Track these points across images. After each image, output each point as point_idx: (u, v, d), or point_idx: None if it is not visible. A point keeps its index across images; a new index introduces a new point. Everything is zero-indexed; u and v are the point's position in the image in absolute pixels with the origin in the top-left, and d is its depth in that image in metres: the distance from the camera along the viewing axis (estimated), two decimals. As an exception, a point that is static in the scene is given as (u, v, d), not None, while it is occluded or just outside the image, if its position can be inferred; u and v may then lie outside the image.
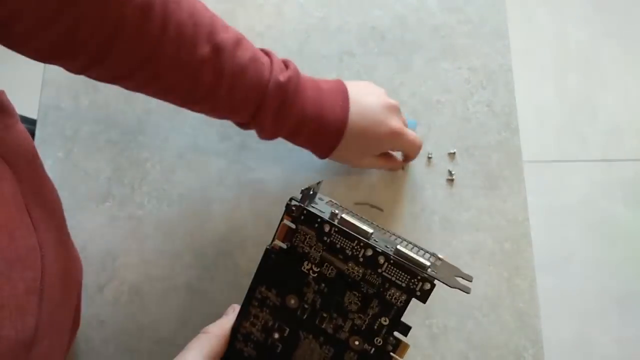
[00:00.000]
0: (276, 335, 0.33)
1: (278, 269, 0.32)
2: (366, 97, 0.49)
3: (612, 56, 1.56)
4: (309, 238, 0.31)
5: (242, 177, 0.58)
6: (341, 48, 0.63)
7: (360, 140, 0.49)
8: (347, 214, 0.31)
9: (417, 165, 0.58)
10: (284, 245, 0.32)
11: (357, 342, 0.31)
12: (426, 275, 0.29)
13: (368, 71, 0.62)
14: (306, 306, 0.32)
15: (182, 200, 0.58)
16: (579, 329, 1.33)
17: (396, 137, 0.50)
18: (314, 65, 0.63)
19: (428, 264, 0.29)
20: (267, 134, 0.47)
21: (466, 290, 0.29)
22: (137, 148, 0.60)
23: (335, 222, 0.30)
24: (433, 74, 0.62)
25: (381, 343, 0.31)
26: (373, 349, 0.31)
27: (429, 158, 0.58)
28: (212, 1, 0.65)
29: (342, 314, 0.31)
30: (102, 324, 0.54)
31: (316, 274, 0.31)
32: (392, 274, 0.29)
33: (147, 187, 0.58)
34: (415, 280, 0.29)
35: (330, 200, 0.37)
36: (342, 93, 0.48)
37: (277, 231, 0.32)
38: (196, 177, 0.58)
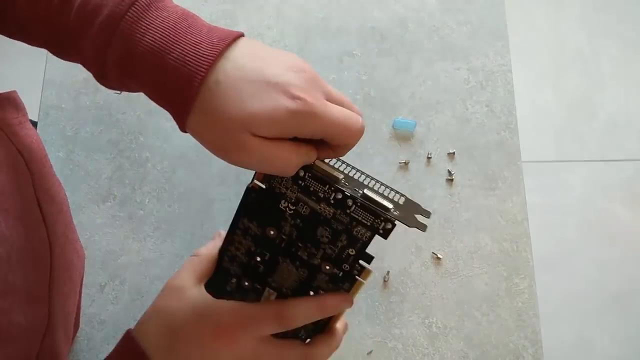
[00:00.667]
0: (258, 259, 0.37)
1: (258, 205, 0.35)
2: (263, 54, 0.33)
3: (611, 57, 1.57)
4: (285, 181, 0.34)
5: (242, 177, 0.58)
6: (341, 48, 0.63)
7: (234, 109, 0.30)
8: (321, 161, 0.34)
9: (417, 165, 0.59)
10: (262, 186, 0.35)
11: (327, 267, 0.36)
12: (388, 217, 0.32)
13: (368, 71, 0.62)
14: (284, 237, 0.36)
15: (183, 200, 0.58)
16: (578, 328, 1.34)
17: (304, 116, 0.31)
18: (314, 66, 0.62)
19: (390, 206, 0.32)
20: (91, 63, 0.33)
21: (422, 228, 0.32)
22: (137, 148, 0.60)
23: (309, 168, 0.33)
24: (432, 74, 0.62)
25: (348, 268, 0.35)
26: (341, 273, 0.36)
27: (429, 158, 0.59)
28: (212, 2, 0.66)
29: (315, 245, 0.35)
30: (103, 323, 0.54)
31: (292, 211, 0.35)
32: (359, 215, 0.33)
33: (147, 187, 0.58)
34: (378, 221, 0.32)
35: None
36: (221, 38, 0.32)
37: (255, 172, 0.35)
38: (197, 177, 0.59)
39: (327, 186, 0.33)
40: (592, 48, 1.58)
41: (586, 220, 1.42)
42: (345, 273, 0.36)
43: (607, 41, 1.58)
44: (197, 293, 0.37)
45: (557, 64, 1.56)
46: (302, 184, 0.33)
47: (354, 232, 0.34)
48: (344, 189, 0.33)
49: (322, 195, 0.33)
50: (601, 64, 1.56)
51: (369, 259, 0.35)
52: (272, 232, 0.36)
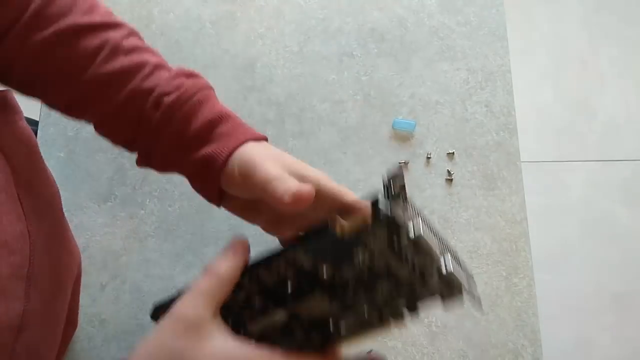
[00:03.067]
0: (289, 284, 0.32)
1: (327, 245, 0.31)
2: None
3: (610, 57, 1.57)
4: (379, 237, 0.30)
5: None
6: (341, 49, 0.64)
7: None
8: (425, 228, 0.30)
9: (416, 165, 0.59)
10: (346, 237, 0.31)
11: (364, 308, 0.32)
12: (461, 295, 0.30)
13: (368, 72, 0.63)
14: (336, 279, 0.31)
15: (183, 199, 0.58)
16: (578, 327, 1.34)
17: None
18: (314, 66, 0.63)
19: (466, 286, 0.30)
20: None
21: (478, 308, 0.31)
22: (138, 148, 0.60)
23: (412, 236, 0.29)
24: (432, 75, 0.62)
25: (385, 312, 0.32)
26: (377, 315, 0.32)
27: (428, 158, 0.59)
28: (213, 3, 0.66)
29: (367, 292, 0.31)
30: (104, 323, 0.54)
31: (364, 262, 0.31)
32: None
33: (148, 187, 0.58)
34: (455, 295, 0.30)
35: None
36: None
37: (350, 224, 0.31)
38: (197, 177, 0.59)
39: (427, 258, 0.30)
40: (592, 49, 1.58)
41: (585, 220, 1.42)
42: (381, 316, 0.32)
43: (607, 41, 1.58)
44: (217, 333, 0.30)
45: (557, 65, 1.57)
46: (396, 248, 0.30)
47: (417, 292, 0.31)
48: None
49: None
50: (601, 64, 1.56)
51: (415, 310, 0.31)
52: (324, 271, 0.32)
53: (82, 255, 0.56)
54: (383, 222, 0.30)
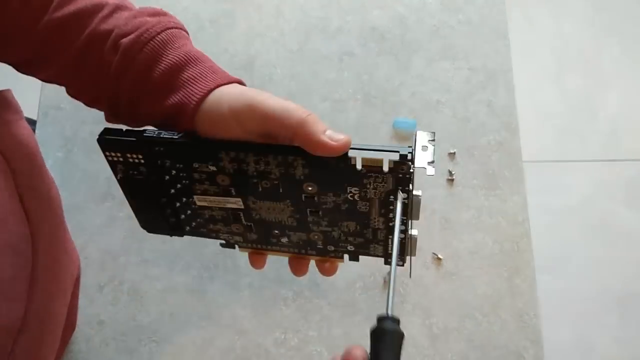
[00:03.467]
0: (264, 184, 0.33)
1: (327, 168, 0.31)
2: None
3: (613, 56, 1.56)
4: (381, 187, 0.31)
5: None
6: (341, 48, 0.63)
7: None
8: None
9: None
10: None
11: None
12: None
13: (368, 71, 0.62)
14: (314, 199, 0.32)
15: (182, 200, 0.58)
16: (579, 329, 1.33)
17: None
18: (314, 66, 0.63)
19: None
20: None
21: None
22: (137, 148, 0.60)
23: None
24: (433, 74, 0.62)
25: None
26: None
27: (429, 158, 0.59)
28: (212, 1, 0.66)
29: (330, 224, 0.33)
30: (102, 324, 0.54)
31: (350, 199, 0.32)
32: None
33: (147, 187, 0.58)
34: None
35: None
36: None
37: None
38: (196, 177, 0.59)
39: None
40: (594, 47, 1.57)
41: (588, 220, 1.42)
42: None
43: (610, 40, 1.58)
44: None
45: (559, 64, 1.56)
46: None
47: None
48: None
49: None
50: (603, 63, 1.56)
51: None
52: (309, 189, 0.32)
53: (80, 256, 0.55)
54: (400, 179, 0.30)
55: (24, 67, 0.37)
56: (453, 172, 0.58)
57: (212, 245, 0.56)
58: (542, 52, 1.57)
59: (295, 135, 0.30)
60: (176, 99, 0.33)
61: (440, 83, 0.62)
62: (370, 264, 0.55)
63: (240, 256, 0.56)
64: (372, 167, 0.30)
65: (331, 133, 0.30)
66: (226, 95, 0.32)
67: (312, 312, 0.54)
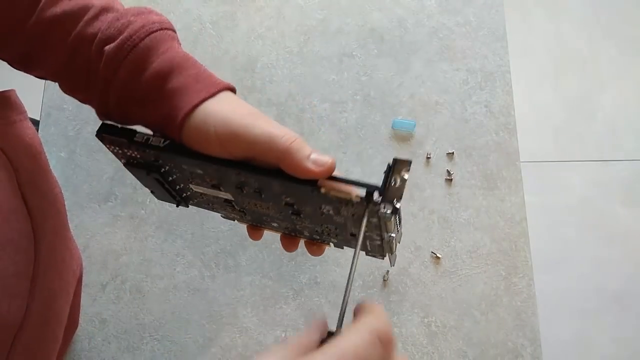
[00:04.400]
0: (248, 191, 0.34)
1: (301, 189, 0.32)
2: None
3: (610, 57, 1.57)
4: (352, 213, 0.32)
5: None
6: (341, 50, 0.64)
7: None
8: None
9: (416, 165, 0.59)
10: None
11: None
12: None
13: (367, 72, 0.63)
14: (293, 206, 0.34)
15: (184, 200, 0.58)
16: (577, 327, 1.34)
17: None
18: (314, 67, 0.63)
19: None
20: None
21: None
22: (138, 148, 0.60)
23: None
24: (432, 75, 0.63)
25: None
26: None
27: (428, 158, 0.59)
28: (213, 3, 0.66)
29: (312, 224, 0.36)
30: (104, 323, 0.54)
31: (326, 213, 0.33)
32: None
33: (148, 187, 0.59)
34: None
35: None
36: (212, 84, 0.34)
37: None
38: (197, 177, 0.59)
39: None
40: (592, 48, 1.58)
41: (585, 220, 1.43)
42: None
43: (607, 41, 1.58)
44: None
45: (557, 65, 1.57)
46: None
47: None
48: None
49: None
50: (600, 64, 1.57)
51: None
52: (286, 200, 0.33)
53: (82, 255, 0.56)
54: (368, 211, 0.31)
55: (16, 64, 0.38)
56: (451, 172, 0.58)
57: (213, 244, 0.57)
58: (539, 54, 1.57)
59: (280, 161, 0.30)
60: (163, 111, 0.33)
61: (439, 84, 0.62)
62: (370, 263, 0.55)
63: (241, 255, 0.56)
64: (342, 199, 0.31)
65: (316, 157, 0.30)
66: (212, 117, 0.32)
67: (313, 310, 0.54)
